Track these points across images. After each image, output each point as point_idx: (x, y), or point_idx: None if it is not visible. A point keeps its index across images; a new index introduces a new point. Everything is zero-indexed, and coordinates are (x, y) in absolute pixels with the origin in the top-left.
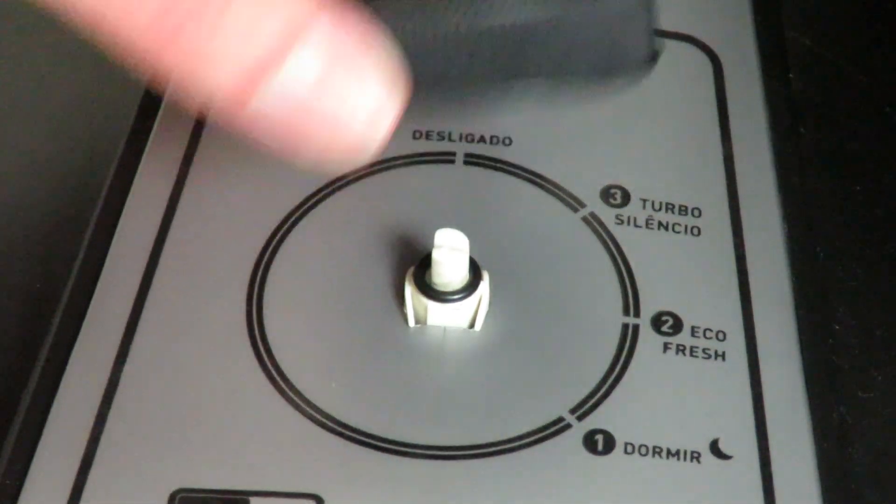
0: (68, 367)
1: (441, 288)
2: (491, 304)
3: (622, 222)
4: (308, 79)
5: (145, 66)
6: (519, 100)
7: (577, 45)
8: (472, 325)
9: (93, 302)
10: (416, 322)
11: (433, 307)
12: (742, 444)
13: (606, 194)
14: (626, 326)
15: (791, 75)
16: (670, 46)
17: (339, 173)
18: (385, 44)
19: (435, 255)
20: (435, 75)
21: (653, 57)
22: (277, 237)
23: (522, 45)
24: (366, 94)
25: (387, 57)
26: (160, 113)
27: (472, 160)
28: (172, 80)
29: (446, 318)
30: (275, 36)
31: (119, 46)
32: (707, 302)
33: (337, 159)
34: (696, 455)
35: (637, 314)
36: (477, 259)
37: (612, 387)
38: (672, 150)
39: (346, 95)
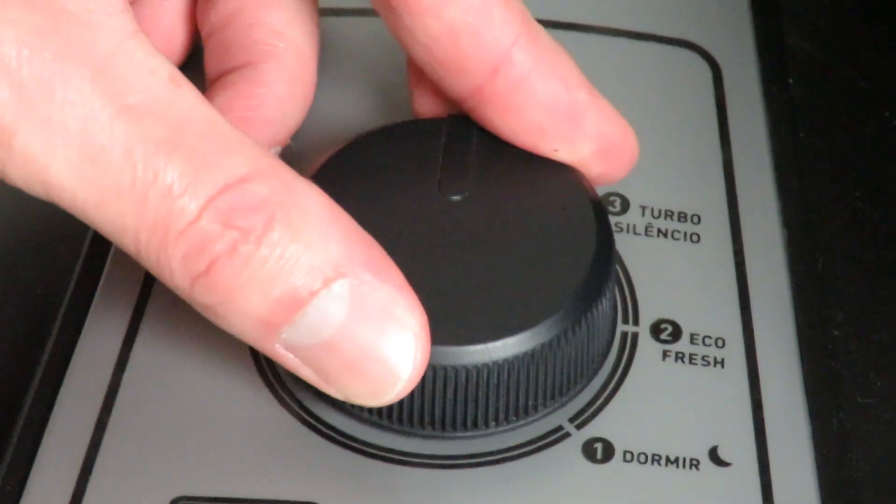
0: (68, 373)
1: None
2: None
3: (621, 230)
4: (333, 321)
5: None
6: None
7: None
8: None
9: (93, 307)
10: None
11: None
12: (741, 451)
13: (605, 202)
14: (625, 334)
15: (791, 80)
16: (669, 52)
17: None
18: (415, 304)
19: None
20: None
21: None
22: None
23: None
24: (386, 348)
25: (414, 318)
26: None
27: None
28: (203, 309)
29: None
30: (306, 273)
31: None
32: (706, 309)
33: (360, 400)
34: (695, 462)
35: (636, 322)
36: None
37: (611, 395)
38: (671, 156)
39: (368, 345)
